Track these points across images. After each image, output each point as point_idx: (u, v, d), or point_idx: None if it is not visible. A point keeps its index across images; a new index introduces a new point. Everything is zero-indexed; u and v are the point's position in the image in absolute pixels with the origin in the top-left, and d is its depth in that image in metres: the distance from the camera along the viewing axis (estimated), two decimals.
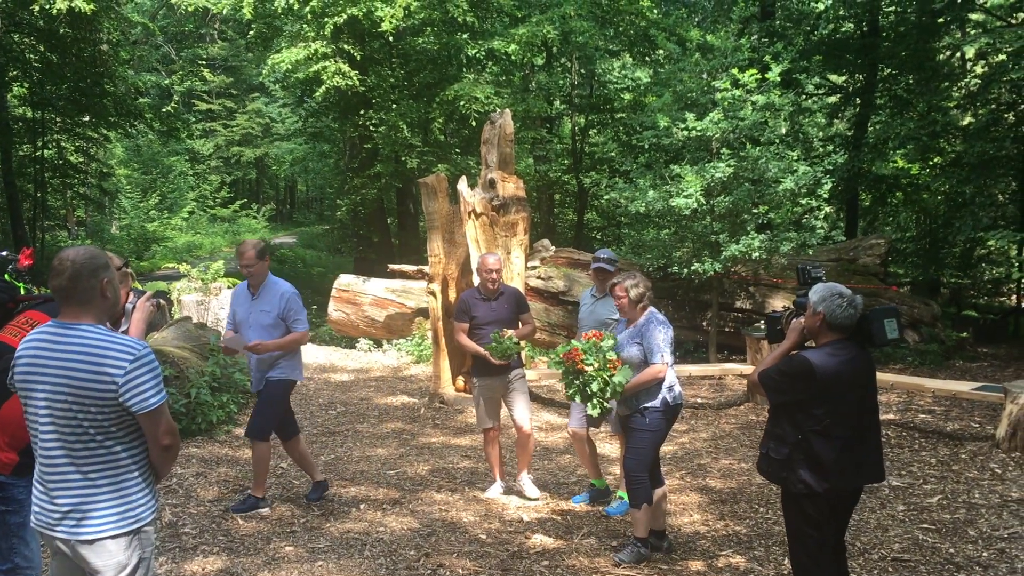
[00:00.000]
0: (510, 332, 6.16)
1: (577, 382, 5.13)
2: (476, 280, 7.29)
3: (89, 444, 2.85)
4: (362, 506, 6.22)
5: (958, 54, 17.39)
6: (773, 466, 3.93)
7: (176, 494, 6.30)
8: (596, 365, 5.05)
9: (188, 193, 36.21)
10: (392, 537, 5.56)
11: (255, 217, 38.48)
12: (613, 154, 19.22)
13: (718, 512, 6.16)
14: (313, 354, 12.55)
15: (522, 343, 6.43)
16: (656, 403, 5.10)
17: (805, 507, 3.89)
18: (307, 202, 47.13)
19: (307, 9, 14.14)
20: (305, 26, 14.84)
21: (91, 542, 2.86)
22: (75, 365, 2.80)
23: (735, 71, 11.14)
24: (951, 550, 5.31)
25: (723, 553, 5.34)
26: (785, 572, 5.03)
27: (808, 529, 3.92)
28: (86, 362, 2.79)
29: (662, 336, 5.12)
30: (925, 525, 5.77)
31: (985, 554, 5.23)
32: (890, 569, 5.05)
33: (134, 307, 3.90)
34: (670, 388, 5.16)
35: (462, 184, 9.27)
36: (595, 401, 5.09)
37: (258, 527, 5.67)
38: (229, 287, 11.85)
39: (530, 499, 6.34)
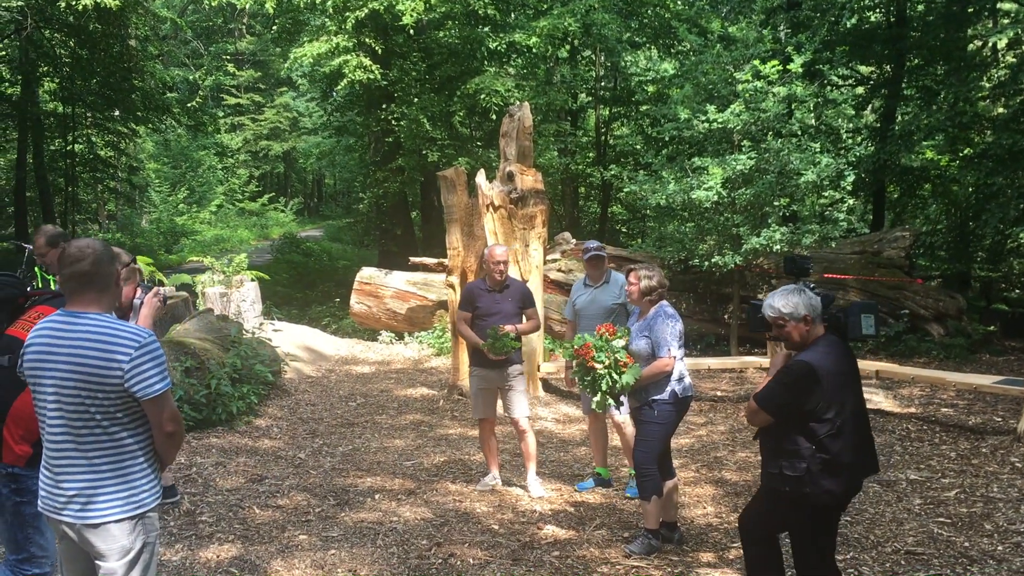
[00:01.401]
0: (508, 328, 6.16)
1: (587, 379, 5.13)
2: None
3: (95, 430, 2.91)
4: (377, 496, 6.28)
5: (989, 44, 17.11)
6: (790, 483, 3.75)
7: (195, 483, 6.40)
8: (606, 363, 5.03)
9: (217, 187, 36.59)
10: (405, 527, 5.61)
11: (283, 211, 38.78)
12: (637, 147, 19.17)
13: (732, 504, 6.15)
14: (335, 346, 12.66)
15: (521, 339, 6.44)
16: (665, 395, 5.10)
17: (825, 517, 3.86)
18: (334, 196, 47.37)
19: (329, 3, 14.22)
20: (327, 20, 14.93)
21: (96, 526, 2.93)
22: (85, 352, 2.87)
23: (757, 62, 11.06)
24: (966, 544, 5.27)
25: (734, 545, 5.32)
26: None
27: (826, 537, 3.91)
28: (96, 349, 2.86)
29: (669, 329, 5.12)
30: (941, 519, 5.72)
31: (1000, 548, 5.18)
32: (903, 562, 5.02)
33: (142, 302, 3.96)
34: (679, 380, 5.15)
35: (480, 177, 9.30)
36: (600, 399, 5.09)
37: (274, 516, 5.75)
38: (253, 279, 11.98)
39: (535, 497, 6.33)
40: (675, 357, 5.10)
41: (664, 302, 5.30)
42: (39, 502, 3.06)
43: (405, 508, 6.01)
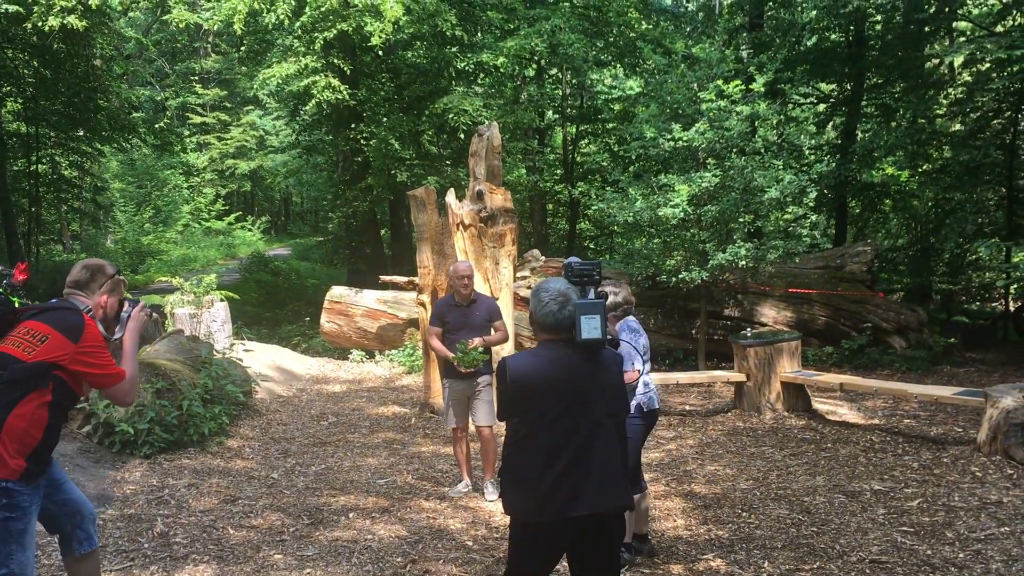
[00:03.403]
0: (476, 342, 6.52)
1: None
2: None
3: None
4: (351, 514, 6.31)
5: (946, 62, 17.57)
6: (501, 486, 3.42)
7: (168, 505, 6.39)
8: None
9: (183, 206, 36.33)
10: (380, 544, 5.65)
11: (250, 229, 38.58)
12: (604, 164, 19.38)
13: (701, 517, 6.25)
14: (306, 365, 12.66)
15: (490, 351, 6.79)
16: (632, 409, 5.20)
17: (515, 533, 3.41)
18: (302, 214, 47.24)
19: (297, 25, 14.30)
20: (296, 41, 15.00)
21: None
22: None
23: (720, 82, 11.29)
24: (928, 552, 5.40)
25: (704, 557, 5.43)
26: (764, 575, 5.13)
27: (515, 558, 3.43)
28: None
29: (632, 344, 5.22)
30: (904, 528, 5.86)
31: (961, 555, 5.33)
32: (867, 571, 5.14)
33: (129, 316, 3.99)
34: (645, 394, 5.26)
35: (450, 196, 9.40)
36: None
37: (248, 536, 5.76)
38: (222, 299, 11.95)
39: (489, 501, 6.55)
40: (639, 371, 5.20)
41: (629, 317, 5.41)
42: None
43: (379, 526, 6.05)
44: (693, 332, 12.33)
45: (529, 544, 3.35)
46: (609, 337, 3.40)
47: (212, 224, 36.78)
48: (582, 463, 3.26)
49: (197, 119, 38.51)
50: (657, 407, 5.44)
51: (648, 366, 5.37)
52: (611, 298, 5.34)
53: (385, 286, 13.39)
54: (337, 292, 13.51)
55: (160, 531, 5.79)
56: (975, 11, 17.70)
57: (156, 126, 21.66)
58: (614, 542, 3.45)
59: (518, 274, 12.24)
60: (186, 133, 36.77)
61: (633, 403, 5.23)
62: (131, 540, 5.60)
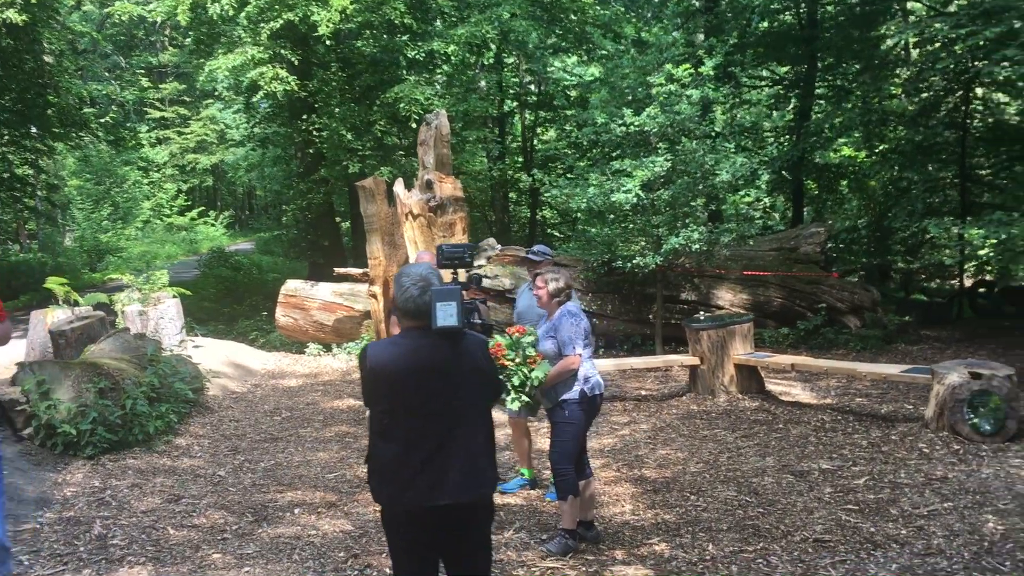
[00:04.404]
0: None
1: (500, 376, 5.20)
2: None
3: None
4: (297, 510, 6.23)
5: (900, 43, 17.71)
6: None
7: (109, 506, 6.26)
8: (517, 360, 5.13)
9: (143, 202, 35.85)
10: (323, 540, 5.57)
11: (213, 225, 38.19)
12: (566, 151, 19.35)
13: (650, 501, 6.25)
14: (262, 360, 12.51)
15: None
16: (574, 395, 5.18)
17: (383, 522, 3.37)
18: (265, 208, 46.83)
19: (243, 15, 14.07)
20: (242, 32, 14.77)
21: None
22: None
23: (670, 66, 11.26)
24: (871, 529, 5.43)
25: (649, 541, 5.42)
26: (707, 557, 5.13)
27: (390, 546, 3.43)
28: None
29: (574, 328, 5.19)
30: (850, 506, 5.89)
31: (904, 532, 5.35)
32: (811, 550, 5.15)
33: None
34: (586, 380, 5.23)
35: (399, 186, 9.30)
36: (514, 395, 5.17)
37: (188, 535, 5.67)
38: (174, 296, 11.76)
39: None
40: (580, 355, 5.17)
41: (569, 302, 5.37)
42: None
43: (324, 521, 5.97)
44: (650, 317, 12.33)
45: (398, 533, 3.31)
46: (480, 322, 3.36)
47: (174, 220, 36.35)
48: (443, 452, 3.21)
49: (156, 114, 37.97)
50: (600, 392, 5.40)
51: (590, 350, 5.34)
52: (551, 284, 5.32)
53: (341, 278, 13.26)
54: (292, 286, 13.35)
55: (98, 533, 5.68)
56: None
57: (103, 120, 21.20)
58: (483, 529, 3.43)
59: (474, 263, 12.17)
60: (145, 128, 36.28)
61: (576, 388, 5.21)
62: (67, 544, 5.48)
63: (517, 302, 6.83)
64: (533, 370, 5.13)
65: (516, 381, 5.15)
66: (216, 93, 26.76)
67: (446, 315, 3.14)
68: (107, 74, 34.54)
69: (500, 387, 3.60)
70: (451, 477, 3.21)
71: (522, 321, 6.51)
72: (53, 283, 10.83)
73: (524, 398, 5.21)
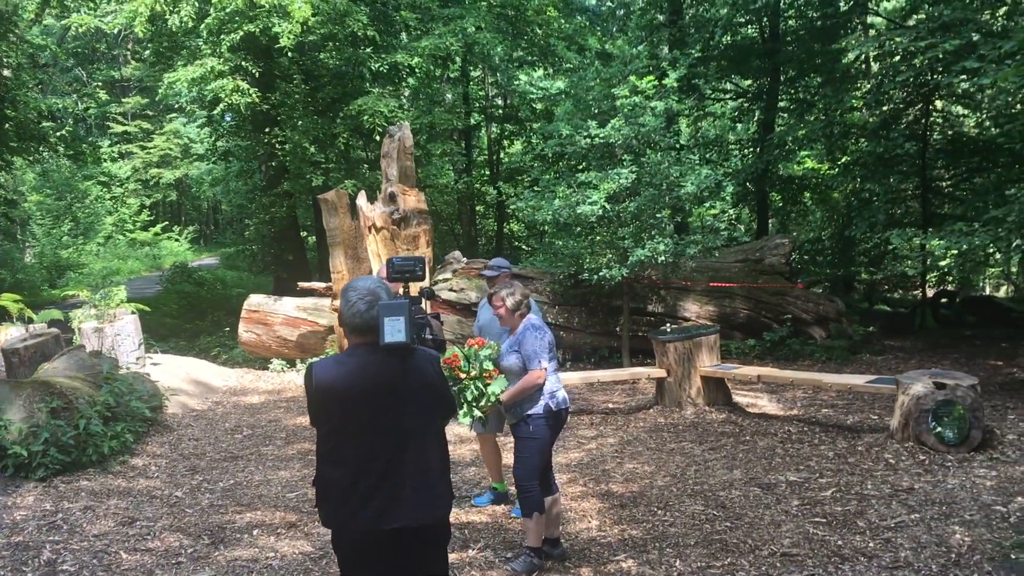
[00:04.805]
0: None
1: (455, 388, 5.09)
2: None
3: None
4: (255, 532, 6.06)
5: (861, 56, 17.92)
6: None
7: (60, 530, 6.06)
8: (472, 373, 5.03)
9: (105, 218, 35.34)
10: (282, 563, 5.42)
11: (177, 240, 37.73)
12: (532, 163, 19.32)
13: (616, 516, 6.15)
14: (224, 377, 12.29)
15: None
16: (539, 409, 5.08)
17: (333, 545, 3.26)
18: (230, 222, 46.38)
19: (203, 27, 13.89)
20: (202, 44, 14.58)
21: None
22: None
23: (633, 78, 11.27)
24: (839, 542, 5.38)
25: (615, 558, 5.32)
26: (675, 573, 5.05)
27: (342, 570, 3.26)
28: None
29: (537, 342, 5.10)
30: (817, 519, 5.84)
31: (871, 544, 5.31)
32: (779, 564, 5.09)
33: None
34: (552, 394, 5.14)
35: (361, 199, 9.20)
36: (466, 409, 5.06)
37: (142, 560, 5.48)
38: (133, 313, 11.53)
39: None
40: (545, 369, 5.08)
41: (531, 315, 5.29)
42: None
43: (284, 543, 5.82)
44: (617, 329, 12.29)
45: (350, 558, 3.18)
46: (431, 337, 3.26)
47: (137, 235, 35.85)
48: (393, 474, 3.09)
49: (119, 128, 37.49)
50: (566, 407, 5.31)
51: (555, 364, 5.25)
52: (509, 300, 5.23)
53: (305, 293, 13.09)
54: (255, 301, 13.15)
55: (47, 559, 5.48)
56: (888, 5, 18.10)
57: (60, 134, 20.84)
58: (439, 551, 3.33)
59: (439, 276, 12.07)
60: (107, 143, 35.79)
61: (541, 403, 5.11)
62: (15, 570, 5.29)
63: (479, 315, 6.75)
64: (489, 384, 5.03)
65: (469, 396, 5.06)
66: (178, 106, 26.45)
67: (394, 330, 3.01)
68: (67, 88, 34.05)
69: (452, 404, 3.49)
70: (403, 499, 3.09)
71: (484, 334, 6.42)
72: (6, 300, 10.57)
73: (477, 413, 5.11)
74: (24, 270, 27.34)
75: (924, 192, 14.69)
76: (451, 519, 6.14)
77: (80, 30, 16.67)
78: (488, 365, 5.06)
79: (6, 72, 19.42)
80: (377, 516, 3.07)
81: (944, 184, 15.70)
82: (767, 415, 9.07)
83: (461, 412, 5.10)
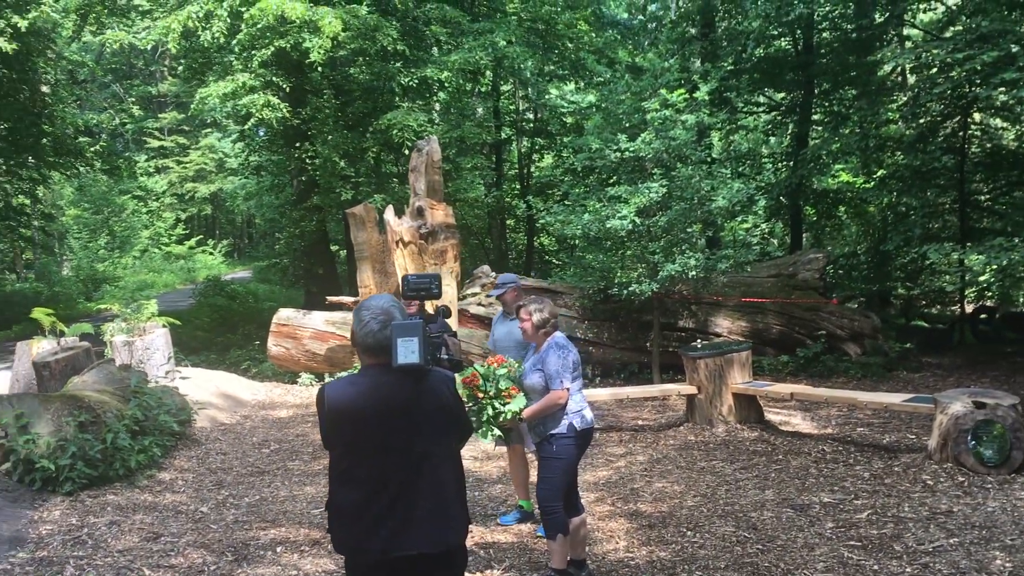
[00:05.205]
0: None
1: (474, 407, 5.01)
2: None
3: None
4: (279, 549, 6.01)
5: (897, 68, 17.67)
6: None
7: (84, 546, 6.04)
8: (491, 393, 4.94)
9: (141, 231, 35.84)
10: None
11: (211, 253, 38.18)
12: (562, 177, 19.27)
13: (645, 537, 6.02)
14: (253, 391, 12.31)
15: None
16: (563, 429, 4.98)
17: (348, 570, 3.13)
18: (263, 236, 46.84)
19: (235, 42, 14.02)
20: (234, 59, 14.71)
21: None
22: None
23: (664, 91, 11.17)
24: (875, 567, 5.21)
25: None
26: None
27: None
28: None
29: (561, 361, 5.00)
30: (852, 542, 5.67)
31: (908, 569, 5.14)
32: None
33: None
34: (577, 413, 5.03)
35: (389, 213, 9.17)
36: (485, 428, 4.98)
37: None
38: (164, 326, 11.59)
39: None
40: (568, 389, 4.98)
41: (557, 333, 5.19)
42: None
43: (307, 560, 5.75)
44: (647, 345, 12.15)
45: None
46: (448, 357, 3.16)
47: (172, 249, 36.32)
48: (406, 498, 3.00)
49: (155, 143, 38.06)
50: (591, 425, 5.20)
51: (579, 383, 5.15)
52: (536, 316, 5.14)
53: (334, 307, 13.09)
54: (284, 314, 13.17)
55: (71, 574, 5.46)
56: (924, 17, 17.84)
57: (94, 149, 21.15)
58: (455, 574, 3.22)
59: (468, 291, 12.02)
60: (143, 157, 36.35)
61: (565, 422, 5.01)
62: None
63: (493, 330, 6.67)
64: (507, 403, 4.94)
65: (484, 416, 4.97)
66: (210, 122, 26.76)
67: (407, 351, 2.92)
68: (105, 104, 34.62)
69: (469, 426, 3.40)
70: (417, 524, 3.00)
71: (499, 349, 6.33)
72: (39, 313, 10.66)
73: (496, 432, 5.03)
74: (61, 283, 27.76)
75: (962, 206, 14.40)
76: (476, 538, 6.07)
77: (115, 46, 16.91)
78: (504, 384, 4.97)
79: (44, 88, 19.79)
80: (390, 538, 2.98)
81: (983, 198, 15.39)
82: (800, 434, 8.88)
83: (480, 431, 5.02)
